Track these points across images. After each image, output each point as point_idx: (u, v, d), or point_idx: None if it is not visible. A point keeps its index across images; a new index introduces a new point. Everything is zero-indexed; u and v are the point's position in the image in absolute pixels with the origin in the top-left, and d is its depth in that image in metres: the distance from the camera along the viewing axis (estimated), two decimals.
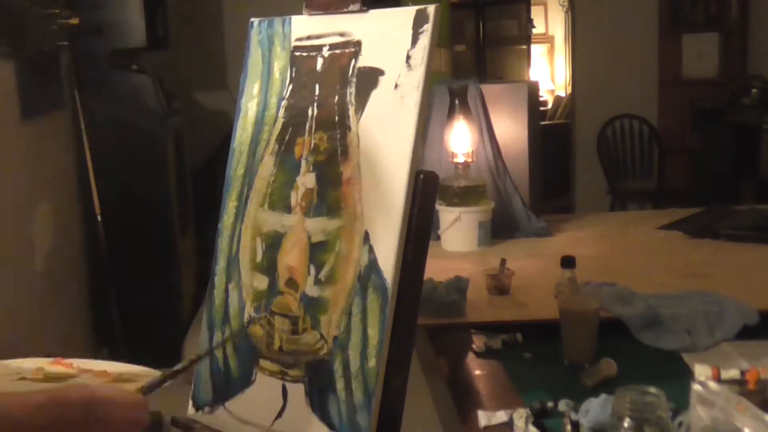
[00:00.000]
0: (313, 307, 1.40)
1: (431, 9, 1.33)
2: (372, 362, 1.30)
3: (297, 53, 1.53)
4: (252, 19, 1.62)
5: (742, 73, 5.81)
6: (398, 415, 1.32)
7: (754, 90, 5.46)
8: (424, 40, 1.33)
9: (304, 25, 1.53)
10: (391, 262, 1.30)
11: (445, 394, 1.60)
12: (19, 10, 3.30)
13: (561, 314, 1.55)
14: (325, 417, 1.36)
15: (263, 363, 1.47)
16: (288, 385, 1.43)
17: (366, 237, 1.34)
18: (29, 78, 3.36)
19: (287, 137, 1.51)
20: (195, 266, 4.37)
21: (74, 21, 3.63)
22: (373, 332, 1.31)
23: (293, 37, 1.54)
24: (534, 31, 7.44)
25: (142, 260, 3.99)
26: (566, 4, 6.68)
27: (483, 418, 1.35)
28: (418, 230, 1.33)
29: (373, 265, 1.32)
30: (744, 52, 5.89)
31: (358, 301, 1.33)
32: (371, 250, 1.33)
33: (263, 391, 1.45)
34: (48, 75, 3.65)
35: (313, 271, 1.41)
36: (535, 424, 1.31)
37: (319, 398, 1.38)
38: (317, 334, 1.39)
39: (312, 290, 1.41)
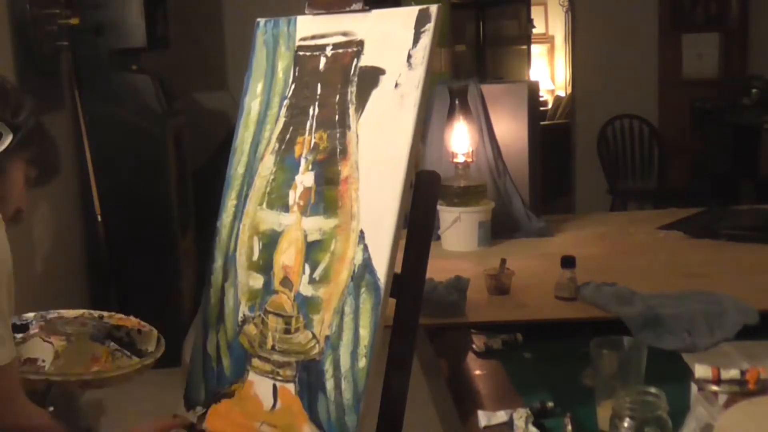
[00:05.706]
0: (307, 306, 1.40)
1: (434, 9, 1.32)
2: (362, 362, 1.30)
3: (301, 53, 1.53)
4: (258, 19, 1.62)
5: (742, 73, 5.81)
6: (399, 415, 1.32)
7: (754, 90, 5.45)
8: (426, 39, 1.32)
9: (308, 25, 1.53)
10: (384, 262, 1.30)
11: (445, 394, 1.59)
12: (20, 10, 3.30)
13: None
14: (314, 416, 1.36)
15: (255, 362, 1.48)
16: (279, 384, 1.43)
17: (361, 236, 1.34)
18: (29, 78, 3.36)
19: (288, 136, 1.51)
20: (195, 266, 4.37)
21: (74, 21, 3.63)
22: (364, 332, 1.31)
23: (298, 36, 1.54)
24: (534, 31, 7.42)
25: (143, 260, 3.99)
26: (566, 4, 6.67)
27: (483, 418, 1.35)
28: (420, 230, 1.33)
29: (366, 264, 1.32)
30: (744, 52, 5.88)
31: (350, 300, 1.33)
32: (366, 249, 1.33)
33: (255, 390, 1.46)
34: (48, 75, 3.64)
35: (307, 270, 1.41)
36: (535, 424, 1.31)
37: (308, 398, 1.38)
38: (309, 334, 1.39)
39: (306, 289, 1.41)
